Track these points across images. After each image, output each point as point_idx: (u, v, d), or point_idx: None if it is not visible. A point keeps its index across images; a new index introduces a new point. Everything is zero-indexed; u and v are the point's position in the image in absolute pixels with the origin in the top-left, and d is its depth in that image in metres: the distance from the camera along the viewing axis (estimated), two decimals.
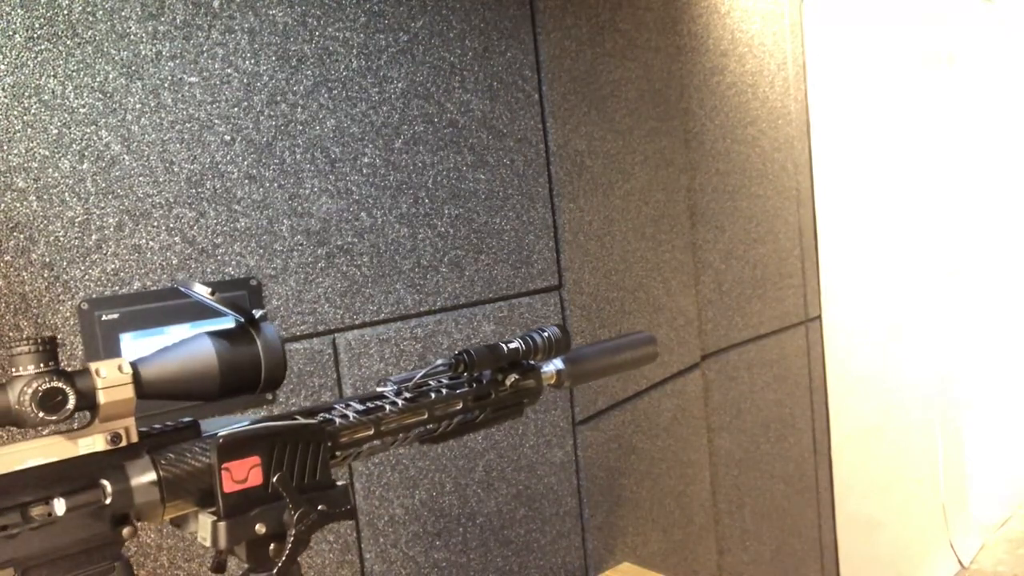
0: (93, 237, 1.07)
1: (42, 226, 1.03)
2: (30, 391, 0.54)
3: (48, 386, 0.55)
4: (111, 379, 0.58)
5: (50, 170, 1.04)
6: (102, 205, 1.08)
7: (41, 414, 0.54)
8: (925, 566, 3.29)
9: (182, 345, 0.62)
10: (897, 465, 3.20)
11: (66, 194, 1.05)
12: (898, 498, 3.18)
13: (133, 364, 0.60)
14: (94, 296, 1.07)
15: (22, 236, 1.02)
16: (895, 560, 3.12)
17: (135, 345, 1.10)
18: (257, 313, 0.66)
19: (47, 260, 1.04)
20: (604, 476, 1.78)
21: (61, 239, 1.05)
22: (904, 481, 3.22)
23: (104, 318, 1.07)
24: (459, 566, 1.49)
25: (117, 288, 1.09)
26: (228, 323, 0.67)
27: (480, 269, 1.54)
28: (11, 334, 1.00)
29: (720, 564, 2.29)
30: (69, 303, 1.05)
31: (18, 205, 1.01)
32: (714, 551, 2.24)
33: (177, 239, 1.15)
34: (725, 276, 2.34)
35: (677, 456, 2.06)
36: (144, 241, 1.12)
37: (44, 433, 0.58)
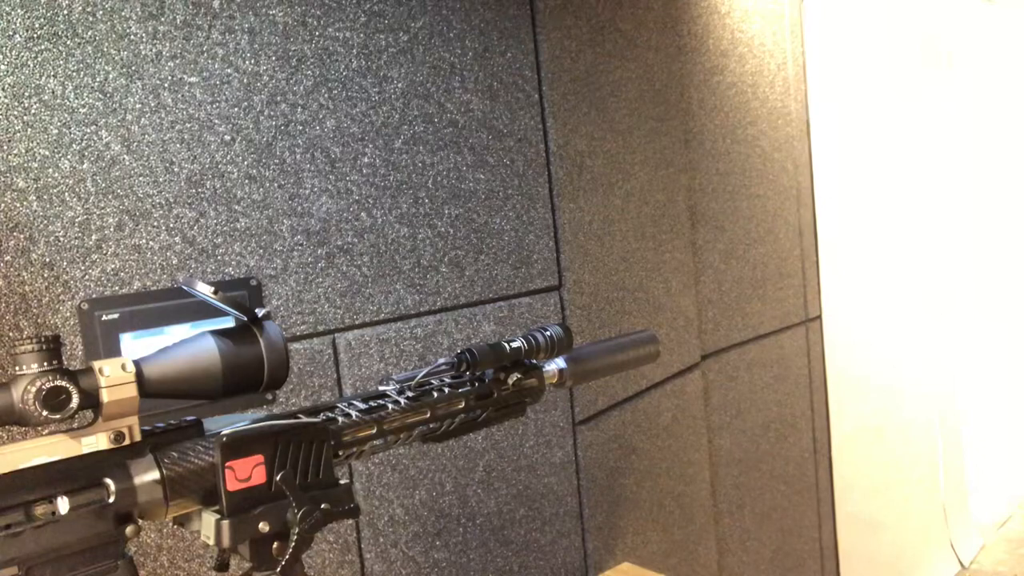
0: (93, 237, 1.07)
1: (42, 226, 1.03)
2: (34, 390, 0.54)
3: (52, 384, 0.54)
4: (114, 378, 0.58)
5: (50, 170, 1.04)
6: (102, 205, 1.08)
7: (44, 413, 0.54)
8: (925, 566, 3.29)
9: (185, 344, 0.62)
10: (897, 465, 3.20)
11: (66, 194, 1.05)
12: (898, 498, 3.18)
13: (136, 363, 0.60)
14: (94, 296, 1.07)
15: (22, 236, 1.02)
16: (895, 560, 3.12)
17: (135, 345, 1.10)
18: (260, 312, 0.66)
19: (47, 260, 1.03)
20: (604, 476, 1.78)
21: (61, 239, 1.04)
22: (904, 481, 3.22)
23: (104, 318, 1.07)
24: (459, 566, 1.49)
25: (117, 288, 1.09)
26: (228, 323, 0.67)
27: (480, 269, 1.54)
28: (11, 334, 1.00)
29: (720, 564, 2.28)
30: (69, 303, 1.05)
31: (18, 205, 1.01)
32: (714, 551, 2.24)
33: (177, 239, 1.15)
34: (725, 276, 2.34)
35: (677, 456, 2.06)
36: (144, 241, 1.11)
37: (47, 432, 0.58)
